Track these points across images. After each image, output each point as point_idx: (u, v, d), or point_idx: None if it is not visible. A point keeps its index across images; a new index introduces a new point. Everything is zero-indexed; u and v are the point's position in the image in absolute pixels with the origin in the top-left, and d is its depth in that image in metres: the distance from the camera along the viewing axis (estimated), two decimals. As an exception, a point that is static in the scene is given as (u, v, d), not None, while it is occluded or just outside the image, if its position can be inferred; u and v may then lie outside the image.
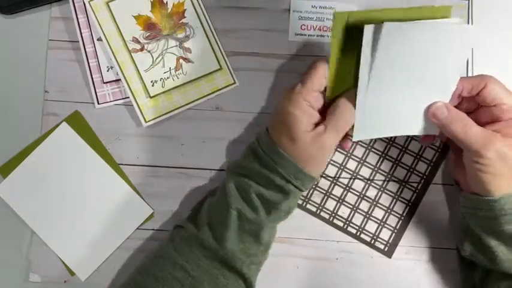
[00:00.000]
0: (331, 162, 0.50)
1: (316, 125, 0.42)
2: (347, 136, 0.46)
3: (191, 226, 0.44)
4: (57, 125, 0.50)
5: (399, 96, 0.42)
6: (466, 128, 0.41)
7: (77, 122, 0.50)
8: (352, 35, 0.41)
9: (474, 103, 0.44)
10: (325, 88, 0.43)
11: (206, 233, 0.43)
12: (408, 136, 0.50)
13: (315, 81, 0.42)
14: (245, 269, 0.43)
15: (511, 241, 0.41)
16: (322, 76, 0.42)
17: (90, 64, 0.50)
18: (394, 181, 0.50)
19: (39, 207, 0.49)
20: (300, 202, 0.50)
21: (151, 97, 0.50)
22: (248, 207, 0.43)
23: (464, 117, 0.41)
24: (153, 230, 0.50)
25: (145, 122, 0.50)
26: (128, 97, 0.50)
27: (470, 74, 0.51)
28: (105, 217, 0.50)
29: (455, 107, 0.43)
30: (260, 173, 0.43)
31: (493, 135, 0.40)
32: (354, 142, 0.50)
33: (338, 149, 0.51)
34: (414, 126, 0.44)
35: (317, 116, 0.43)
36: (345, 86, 0.43)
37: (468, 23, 0.51)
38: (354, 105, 0.42)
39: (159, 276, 0.42)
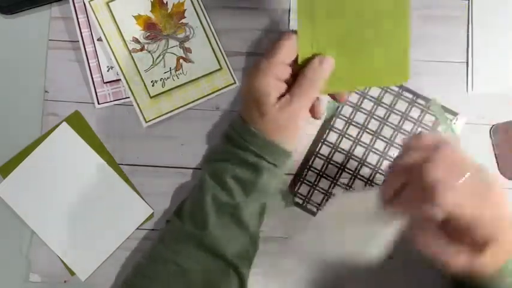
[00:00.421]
0: (331, 162, 0.51)
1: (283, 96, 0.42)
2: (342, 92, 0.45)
3: (176, 219, 0.44)
4: (57, 125, 0.50)
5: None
6: None
7: (77, 122, 0.50)
8: None
9: None
10: (296, 58, 0.43)
11: (189, 223, 0.43)
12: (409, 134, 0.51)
13: (280, 54, 0.42)
14: (231, 254, 0.42)
15: None
16: (289, 47, 0.42)
17: (90, 64, 0.50)
18: (394, 181, 0.50)
19: (39, 207, 0.49)
20: (300, 202, 0.50)
21: (151, 97, 0.50)
22: (222, 190, 0.43)
23: None
24: (153, 230, 0.50)
25: (145, 122, 0.50)
26: (128, 97, 0.50)
27: (470, 74, 0.51)
28: (105, 217, 0.50)
29: None
30: (233, 153, 0.43)
31: None
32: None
33: (338, 149, 0.51)
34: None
35: (285, 87, 0.43)
36: (320, 48, 0.42)
37: (468, 23, 0.51)
38: (321, 70, 0.41)
39: (154, 276, 0.42)
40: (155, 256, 0.44)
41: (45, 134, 0.50)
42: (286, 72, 0.43)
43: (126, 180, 0.50)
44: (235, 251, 0.43)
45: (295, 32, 0.42)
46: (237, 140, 0.43)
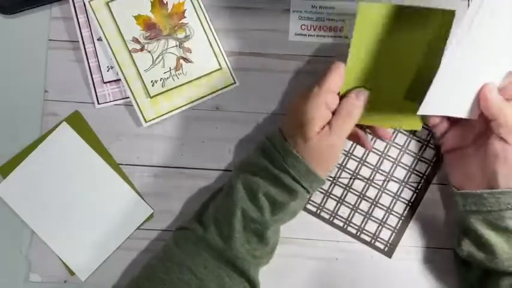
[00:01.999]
0: (331, 162, 0.51)
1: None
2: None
3: (198, 226, 0.44)
4: (57, 125, 0.50)
5: (475, 75, 0.41)
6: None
7: (77, 122, 0.50)
8: (374, 30, 0.41)
9: None
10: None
11: (213, 233, 0.43)
12: (410, 135, 0.50)
13: (332, 82, 0.43)
14: (252, 271, 0.43)
15: None
16: (340, 77, 0.43)
17: (90, 64, 0.50)
18: (394, 181, 0.50)
19: (39, 207, 0.49)
20: (300, 202, 0.50)
21: (151, 97, 0.50)
22: (254, 206, 0.43)
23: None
24: (153, 230, 0.50)
25: (145, 122, 0.50)
26: (128, 97, 0.50)
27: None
28: (105, 217, 0.50)
29: None
30: (269, 171, 0.43)
31: None
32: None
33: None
34: (460, 108, 0.43)
35: (330, 116, 0.43)
36: (359, 84, 0.44)
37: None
38: (358, 104, 0.43)
39: (166, 280, 0.42)
40: (170, 260, 0.43)
41: (45, 134, 0.50)
42: (335, 101, 0.43)
43: (126, 180, 0.50)
44: (255, 264, 0.43)
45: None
46: (276, 158, 0.43)
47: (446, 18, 0.41)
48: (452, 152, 0.46)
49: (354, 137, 0.48)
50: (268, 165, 0.43)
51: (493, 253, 0.42)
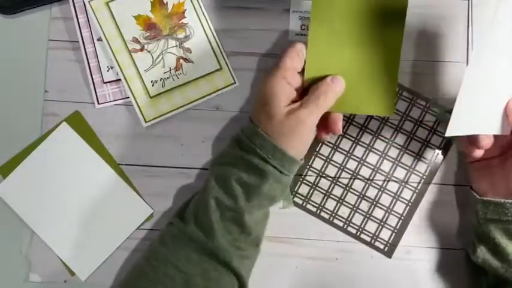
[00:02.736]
0: (331, 162, 0.51)
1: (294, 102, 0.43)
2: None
3: (179, 221, 0.44)
4: (57, 125, 0.50)
5: (500, 89, 0.41)
6: None
7: (77, 122, 0.50)
8: (333, 9, 0.42)
9: None
10: (303, 70, 0.44)
11: (193, 227, 0.43)
12: (410, 136, 0.51)
13: (289, 60, 0.43)
14: (235, 262, 0.42)
15: None
16: (297, 55, 0.43)
17: (90, 64, 0.50)
18: (394, 181, 0.50)
19: (39, 207, 0.49)
20: (300, 202, 0.50)
21: (151, 97, 0.50)
22: (226, 194, 0.43)
23: None
24: (153, 230, 0.50)
25: (145, 122, 0.50)
26: (128, 97, 0.50)
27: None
28: (105, 217, 0.50)
29: None
30: (240, 157, 0.43)
31: None
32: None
33: (338, 149, 0.51)
34: (489, 125, 0.42)
35: (295, 93, 0.43)
36: (325, 70, 0.44)
37: (468, 23, 0.51)
38: (333, 87, 0.43)
39: (152, 276, 0.42)
40: (155, 258, 0.43)
41: (45, 134, 0.50)
42: (296, 78, 0.44)
43: (126, 180, 0.50)
44: (238, 256, 0.43)
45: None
46: (245, 143, 0.43)
47: None
48: (477, 162, 0.46)
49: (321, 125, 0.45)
50: (238, 152, 0.43)
51: (509, 262, 0.42)
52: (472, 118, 0.40)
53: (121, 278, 0.49)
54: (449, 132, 0.40)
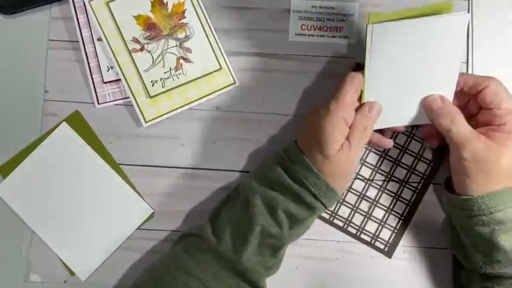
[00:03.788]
0: (331, 162, 0.50)
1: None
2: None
3: (211, 236, 0.43)
4: (57, 125, 0.50)
5: (400, 92, 0.44)
6: (453, 124, 0.41)
7: (77, 122, 0.50)
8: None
9: (477, 106, 0.44)
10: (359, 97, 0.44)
11: (227, 246, 0.42)
12: (410, 136, 0.50)
13: (349, 97, 0.42)
14: (261, 281, 0.43)
15: (479, 242, 0.42)
16: (356, 91, 0.43)
17: (90, 64, 0.50)
18: (394, 181, 0.50)
19: (39, 207, 0.49)
20: (300, 202, 0.50)
21: (151, 97, 0.50)
22: (273, 223, 0.42)
23: (455, 113, 0.42)
24: (153, 230, 0.50)
25: (145, 122, 0.50)
26: (128, 97, 0.50)
27: (471, 72, 0.51)
28: (105, 217, 0.50)
29: (459, 106, 0.43)
30: (290, 188, 0.42)
31: (474, 136, 0.41)
32: None
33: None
34: (412, 117, 0.45)
35: (348, 130, 0.43)
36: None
37: (468, 23, 0.51)
38: (371, 117, 0.43)
39: (171, 285, 0.41)
40: (177, 267, 0.42)
41: (45, 134, 0.50)
42: (352, 114, 0.43)
43: (126, 180, 0.50)
44: (265, 275, 0.43)
45: (358, 67, 0.45)
46: (295, 174, 0.42)
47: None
48: None
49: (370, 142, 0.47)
50: (289, 182, 0.42)
51: (466, 253, 0.44)
52: (387, 112, 0.44)
53: (121, 278, 0.49)
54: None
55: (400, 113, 0.45)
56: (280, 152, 0.45)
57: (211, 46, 0.51)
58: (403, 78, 0.43)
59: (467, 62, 0.51)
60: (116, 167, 0.50)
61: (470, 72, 0.51)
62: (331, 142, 0.41)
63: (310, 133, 0.43)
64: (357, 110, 0.44)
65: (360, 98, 0.44)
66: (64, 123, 0.50)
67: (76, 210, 0.50)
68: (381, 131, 0.47)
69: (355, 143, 0.42)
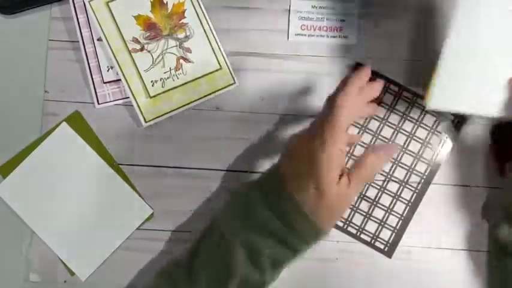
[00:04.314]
0: (331, 162, 0.50)
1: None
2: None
3: (185, 280, 0.40)
4: (57, 125, 0.50)
5: (489, 65, 0.38)
6: None
7: (77, 122, 0.50)
8: None
9: None
10: None
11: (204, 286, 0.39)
12: (409, 136, 0.51)
13: (345, 121, 0.37)
14: None
15: None
16: (351, 114, 0.38)
17: (90, 64, 0.50)
18: (394, 181, 0.50)
19: (39, 207, 0.49)
20: (300, 202, 0.50)
21: (151, 97, 0.50)
22: (255, 270, 0.39)
23: None
24: (153, 230, 0.50)
25: (145, 122, 0.50)
26: (128, 97, 0.50)
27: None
28: (105, 217, 0.50)
29: None
30: (275, 232, 0.38)
31: None
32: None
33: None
34: (492, 107, 0.39)
35: (345, 161, 0.39)
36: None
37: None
38: (385, 161, 0.40)
39: None
40: None
41: (45, 134, 0.50)
42: (346, 140, 0.38)
43: (126, 180, 0.50)
44: None
45: (358, 66, 0.42)
46: (286, 221, 0.38)
47: None
48: None
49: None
50: (275, 226, 0.38)
51: None
52: (455, 93, 0.39)
53: (121, 278, 0.49)
54: (430, 105, 0.39)
55: (478, 99, 0.39)
56: (263, 182, 0.40)
57: (211, 46, 0.51)
58: (488, 57, 0.38)
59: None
60: (115, 167, 0.50)
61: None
62: (327, 176, 0.36)
63: (301, 163, 0.38)
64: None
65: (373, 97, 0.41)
66: (64, 123, 0.50)
67: (76, 211, 0.50)
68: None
69: (357, 180, 0.38)
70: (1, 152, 0.50)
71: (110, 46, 0.49)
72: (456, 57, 0.38)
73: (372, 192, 0.50)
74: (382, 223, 0.50)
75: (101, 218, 0.50)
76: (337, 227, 0.50)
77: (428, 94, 0.39)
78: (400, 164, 0.50)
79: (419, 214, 0.50)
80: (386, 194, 0.50)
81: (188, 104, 0.50)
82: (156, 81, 0.50)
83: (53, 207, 0.50)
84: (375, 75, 0.51)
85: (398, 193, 0.50)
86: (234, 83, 0.51)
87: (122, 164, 0.50)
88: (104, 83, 0.50)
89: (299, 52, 0.51)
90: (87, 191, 0.50)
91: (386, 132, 0.51)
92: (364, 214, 0.50)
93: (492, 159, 0.49)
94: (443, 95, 0.38)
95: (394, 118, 0.51)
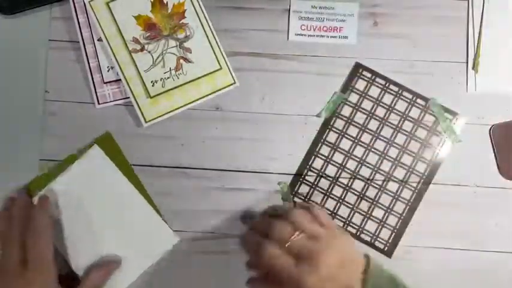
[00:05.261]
0: (331, 162, 0.51)
1: None
2: None
3: None
4: (90, 146, 0.49)
5: None
6: None
7: (108, 143, 0.50)
8: None
9: None
10: None
11: None
12: (409, 136, 0.51)
13: None
14: None
15: None
16: None
17: (91, 64, 0.50)
18: (394, 181, 0.50)
19: (65, 228, 0.48)
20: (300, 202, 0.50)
21: (151, 97, 0.50)
22: None
23: None
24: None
25: (145, 122, 0.50)
26: (128, 97, 0.50)
27: (470, 74, 0.51)
28: (130, 243, 0.49)
29: None
30: None
31: None
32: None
33: (338, 149, 0.51)
34: None
35: None
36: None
37: (468, 23, 0.51)
38: None
39: None
40: None
41: (75, 154, 0.49)
42: None
43: (154, 206, 0.50)
44: None
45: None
46: None
47: None
48: None
49: None
50: None
51: None
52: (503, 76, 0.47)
53: None
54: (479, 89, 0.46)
55: None
56: None
57: (211, 46, 0.51)
58: None
59: (466, 62, 0.51)
60: (143, 191, 0.50)
61: (469, 71, 0.51)
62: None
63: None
64: None
65: None
66: (95, 145, 0.49)
67: (102, 235, 0.49)
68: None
69: None
70: (1, 151, 0.50)
71: (110, 46, 0.49)
72: (492, 46, 0.44)
73: (371, 192, 0.50)
74: (382, 223, 0.50)
75: (126, 244, 0.49)
76: (337, 226, 0.50)
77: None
78: (400, 164, 0.50)
79: (419, 214, 0.50)
80: (386, 193, 0.50)
81: (188, 104, 0.50)
82: (156, 81, 0.50)
83: (79, 229, 0.49)
84: (375, 75, 0.51)
85: (398, 193, 0.50)
86: (234, 83, 0.51)
87: (122, 164, 0.50)
88: (104, 83, 0.50)
89: (299, 52, 0.51)
90: (114, 216, 0.49)
91: (386, 132, 0.51)
92: (364, 214, 0.50)
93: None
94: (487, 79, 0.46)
95: (394, 118, 0.51)
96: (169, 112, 0.50)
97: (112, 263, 0.47)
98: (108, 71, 0.50)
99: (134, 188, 0.49)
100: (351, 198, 0.50)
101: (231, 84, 0.51)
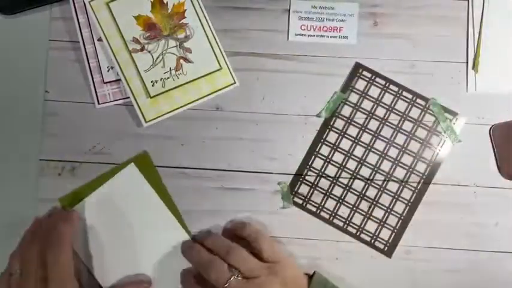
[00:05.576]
0: (331, 162, 0.51)
1: None
2: None
3: None
4: (125, 164, 0.49)
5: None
6: None
7: (144, 163, 0.50)
8: None
9: None
10: None
11: None
12: (409, 136, 0.51)
13: None
14: None
15: None
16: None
17: (91, 64, 0.50)
18: (394, 181, 0.50)
19: (96, 247, 0.48)
20: (300, 202, 0.50)
21: (151, 97, 0.50)
22: None
23: None
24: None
25: (146, 122, 0.50)
26: (128, 97, 0.50)
27: (470, 74, 0.51)
28: (161, 265, 0.49)
29: None
30: None
31: None
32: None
33: (338, 149, 0.51)
34: None
35: None
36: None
37: (468, 23, 0.52)
38: None
39: None
40: None
41: (111, 172, 0.49)
42: None
43: (185, 227, 0.49)
44: None
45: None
46: None
47: None
48: None
49: None
50: None
51: None
52: (502, 76, 0.48)
53: None
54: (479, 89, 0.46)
55: None
56: None
57: (211, 46, 0.51)
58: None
59: (466, 62, 0.51)
60: (175, 211, 0.49)
61: (469, 71, 0.51)
62: None
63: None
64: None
65: None
66: (132, 164, 0.49)
67: (133, 256, 0.48)
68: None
69: None
70: (1, 151, 0.50)
71: (110, 46, 0.49)
72: (492, 46, 0.44)
73: (371, 192, 0.50)
74: (382, 223, 0.50)
75: (157, 266, 0.49)
76: (337, 227, 0.50)
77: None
78: (400, 164, 0.50)
79: (419, 214, 0.50)
80: (386, 193, 0.50)
81: (188, 104, 0.50)
82: (156, 81, 0.50)
83: (111, 249, 0.48)
84: (375, 75, 0.51)
85: (398, 193, 0.50)
86: (234, 83, 0.51)
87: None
88: (104, 83, 0.50)
89: (299, 52, 0.51)
90: (147, 238, 0.49)
91: (386, 132, 0.51)
92: (364, 214, 0.50)
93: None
94: (487, 79, 0.47)
95: (394, 118, 0.51)
96: (169, 112, 0.50)
97: (144, 282, 0.47)
98: (108, 71, 0.50)
99: (167, 209, 0.49)
100: (351, 198, 0.50)
101: (231, 84, 0.51)
